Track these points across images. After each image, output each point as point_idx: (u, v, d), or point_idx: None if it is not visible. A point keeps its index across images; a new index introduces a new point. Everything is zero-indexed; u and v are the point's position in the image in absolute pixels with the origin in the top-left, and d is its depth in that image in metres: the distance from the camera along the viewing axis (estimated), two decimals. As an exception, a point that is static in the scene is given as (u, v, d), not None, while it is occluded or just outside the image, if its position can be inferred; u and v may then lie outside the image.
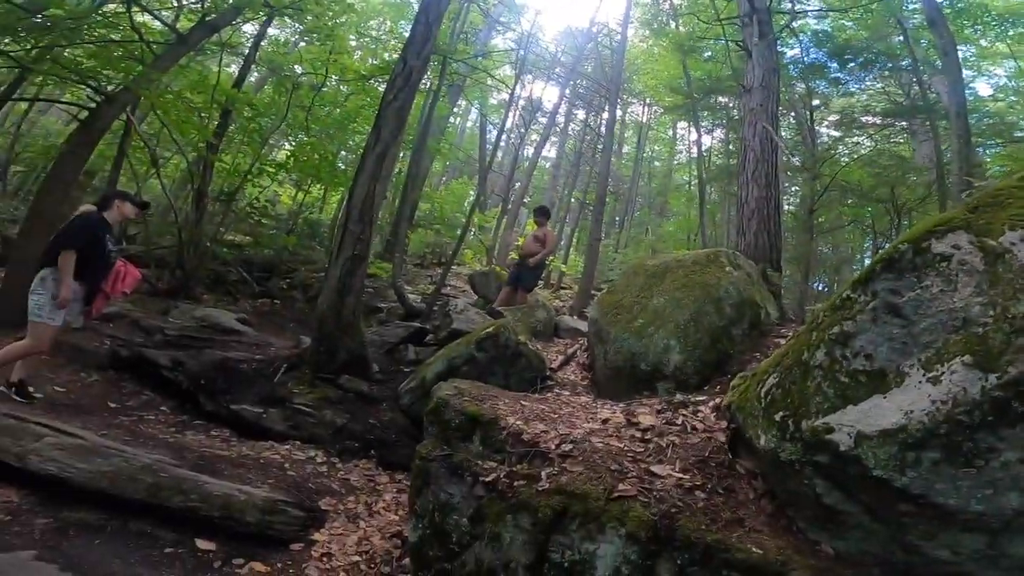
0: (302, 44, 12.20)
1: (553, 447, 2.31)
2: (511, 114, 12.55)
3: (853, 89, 13.39)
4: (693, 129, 18.02)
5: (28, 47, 6.52)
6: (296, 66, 10.73)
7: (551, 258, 15.76)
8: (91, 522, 2.81)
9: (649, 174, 24.32)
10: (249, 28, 10.84)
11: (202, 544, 2.80)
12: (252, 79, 11.51)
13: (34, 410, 3.66)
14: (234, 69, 10.28)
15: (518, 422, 2.54)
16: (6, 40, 6.50)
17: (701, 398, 2.93)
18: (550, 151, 25.34)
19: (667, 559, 1.72)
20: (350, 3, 9.92)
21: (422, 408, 4.11)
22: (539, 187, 25.71)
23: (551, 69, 19.37)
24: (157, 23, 7.80)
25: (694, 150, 19.71)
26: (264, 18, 9.08)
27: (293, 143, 11.66)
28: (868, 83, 13.48)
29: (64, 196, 5.98)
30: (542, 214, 7.53)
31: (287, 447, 4.08)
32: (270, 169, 10.02)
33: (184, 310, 6.59)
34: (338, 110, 10.79)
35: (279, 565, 2.78)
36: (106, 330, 5.47)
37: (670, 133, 23.64)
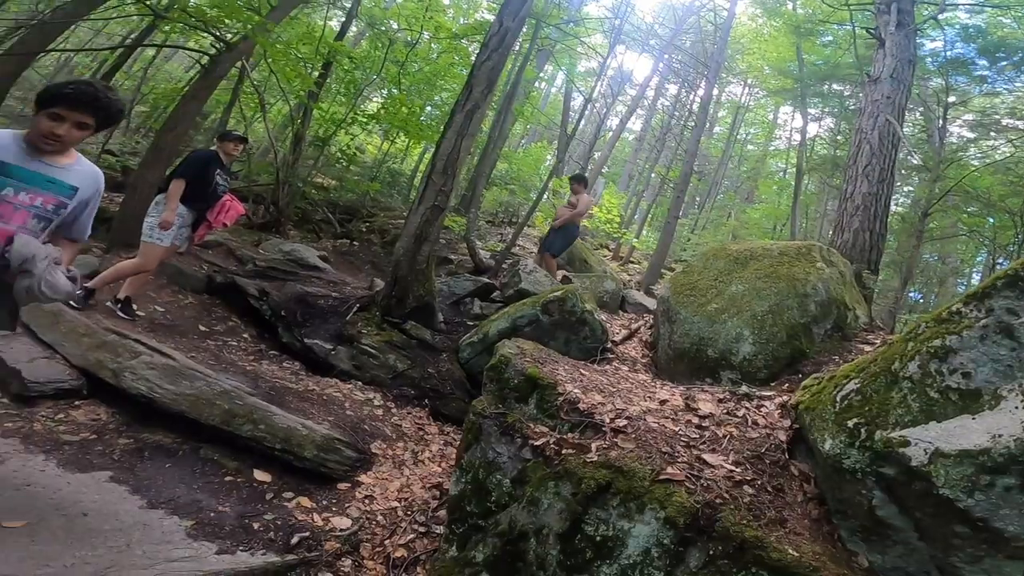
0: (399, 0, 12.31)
1: (607, 420, 2.30)
2: (599, 83, 12.11)
3: (999, 89, 11.90)
4: (798, 115, 16.74)
5: None
6: (392, 22, 10.86)
7: (623, 233, 15.50)
8: (166, 445, 2.96)
9: (740, 157, 22.94)
10: None
11: (259, 475, 2.92)
12: (351, 33, 11.80)
13: (135, 327, 3.95)
14: (335, 23, 10.57)
15: (576, 390, 2.55)
16: None
17: (767, 393, 2.81)
18: (635, 123, 24.46)
19: (699, 548, 1.71)
20: (446, -42, 9.91)
21: (479, 363, 4.24)
22: (620, 158, 25.00)
23: (645, 40, 18.44)
24: None
25: (795, 137, 18.35)
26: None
27: (383, 96, 11.95)
28: (1020, 84, 11.94)
29: (183, 134, 6.51)
30: (578, 181, 7.48)
31: (349, 386, 4.21)
32: (362, 119, 10.37)
33: (274, 243, 7.04)
34: (427, 67, 10.91)
35: (324, 502, 2.87)
36: (205, 256, 5.90)
37: (770, 116, 22.05)
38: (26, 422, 2.87)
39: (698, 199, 22.80)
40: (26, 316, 3.60)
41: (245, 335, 4.83)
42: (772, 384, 3.23)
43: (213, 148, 4.64)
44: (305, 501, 2.84)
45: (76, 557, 2.01)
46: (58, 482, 2.47)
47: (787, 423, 2.30)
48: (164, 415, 3.08)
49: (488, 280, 6.44)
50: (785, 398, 2.62)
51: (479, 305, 5.79)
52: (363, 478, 3.15)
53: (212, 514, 2.54)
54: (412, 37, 10.18)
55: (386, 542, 2.69)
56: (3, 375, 3.11)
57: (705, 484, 1.85)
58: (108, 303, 4.20)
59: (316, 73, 9.07)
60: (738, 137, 22.16)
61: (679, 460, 1.98)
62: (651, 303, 6.56)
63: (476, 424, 2.55)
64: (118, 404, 3.16)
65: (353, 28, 11.34)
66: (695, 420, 2.36)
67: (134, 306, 4.31)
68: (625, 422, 2.28)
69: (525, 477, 2.21)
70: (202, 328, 4.67)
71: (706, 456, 2.02)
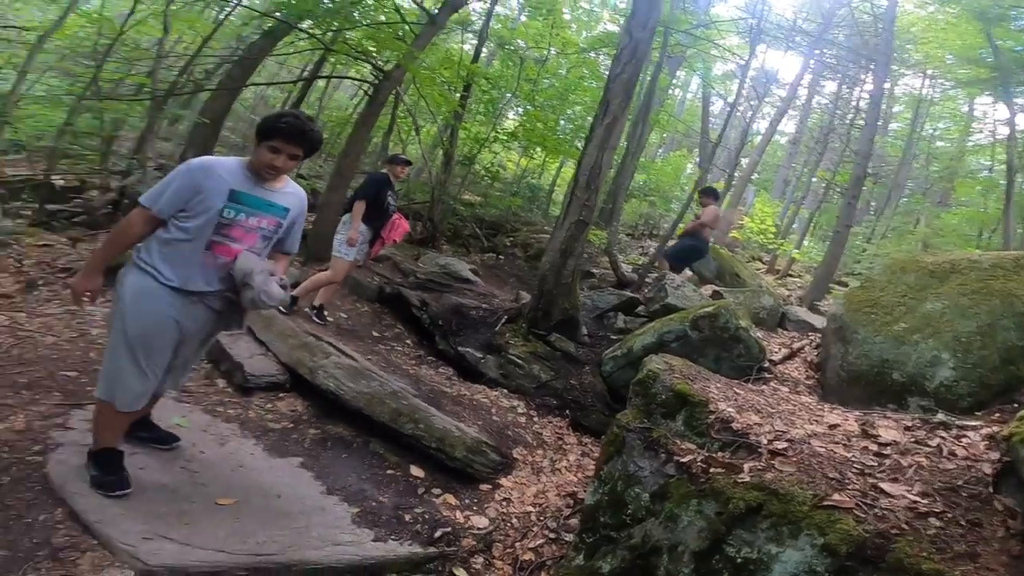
0: (523, 18, 12.80)
1: (764, 442, 2.15)
2: (741, 86, 11.26)
3: None
4: (1001, 106, 13.97)
5: (324, 31, 8.12)
6: (520, 41, 11.32)
7: (780, 244, 14.16)
8: (345, 437, 3.32)
9: (927, 155, 19.64)
10: (478, 6, 11.76)
11: (415, 471, 3.15)
12: (483, 54, 12.43)
13: (326, 331, 4.55)
14: (468, 47, 11.27)
15: (729, 409, 2.42)
16: (308, 23, 8.19)
17: (972, 423, 2.39)
18: (787, 125, 22.24)
19: None
20: (565, -25, 10.12)
21: (622, 377, 4.20)
22: (771, 164, 22.98)
23: (790, 38, 16.81)
24: (406, 3, 8.82)
25: (1001, 130, 15.27)
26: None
27: (519, 114, 12.48)
28: None
29: (357, 158, 7.49)
30: (706, 194, 7.32)
31: (496, 393, 4.41)
32: (502, 137, 10.92)
33: (431, 257, 7.72)
34: (558, 82, 11.17)
35: (466, 501, 3.02)
36: (376, 269, 6.62)
37: (964, 109, 18.56)
38: (243, 410, 3.41)
39: (874, 204, 19.95)
40: (248, 319, 4.40)
41: (408, 341, 5.31)
42: (978, 413, 2.75)
43: (383, 171, 5.24)
44: (450, 498, 3.01)
45: (267, 536, 2.32)
46: (262, 465, 2.87)
47: (995, 455, 1.94)
48: (345, 410, 3.47)
49: (632, 294, 6.35)
50: (995, 429, 2.21)
51: (623, 319, 5.73)
52: (503, 481, 3.26)
53: (373, 503, 2.79)
54: (540, 54, 10.51)
55: (516, 544, 2.76)
56: (230, 367, 3.77)
57: (879, 513, 1.64)
58: (306, 309, 4.90)
59: (458, 95, 9.77)
60: (922, 134, 19.00)
61: (849, 487, 1.78)
62: (817, 320, 5.92)
63: (619, 437, 2.52)
64: (311, 398, 3.63)
65: (484, 50, 11.96)
66: (873, 447, 2.09)
67: (325, 313, 4.98)
68: (785, 445, 2.11)
69: (666, 493, 2.15)
70: (375, 333, 5.23)
71: (884, 485, 1.79)
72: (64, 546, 2.05)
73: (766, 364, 4.20)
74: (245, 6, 9.99)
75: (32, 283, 4.93)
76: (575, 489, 3.30)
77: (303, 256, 6.70)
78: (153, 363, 2.24)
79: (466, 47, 10.95)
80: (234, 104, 11.26)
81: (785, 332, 5.70)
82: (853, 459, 1.99)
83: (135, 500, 2.32)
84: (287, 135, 2.19)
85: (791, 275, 13.21)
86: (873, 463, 1.96)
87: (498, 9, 11.78)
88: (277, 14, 8.09)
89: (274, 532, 2.37)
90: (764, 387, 3.43)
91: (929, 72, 17.04)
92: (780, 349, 4.70)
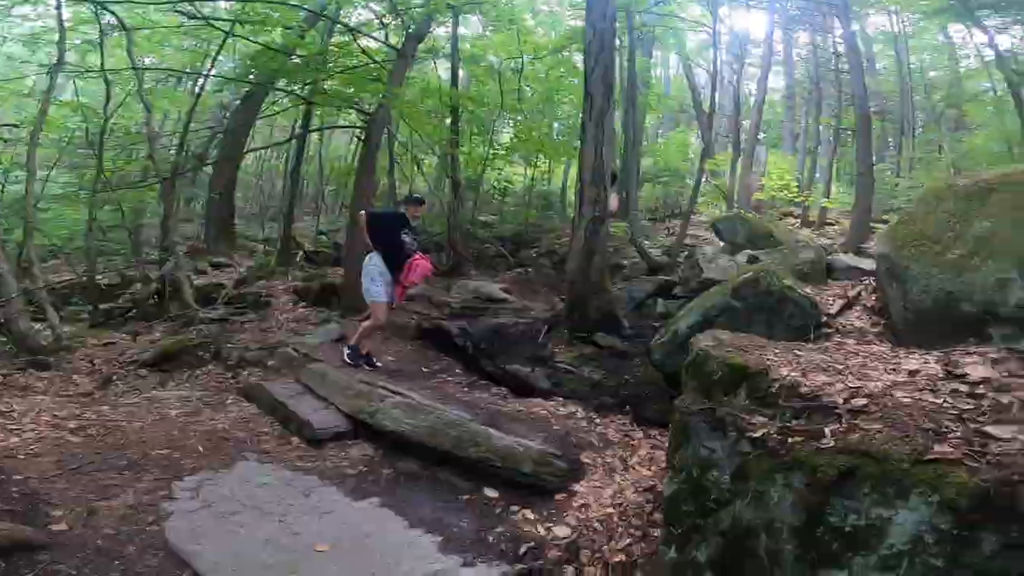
0: (488, 33, 12.87)
1: (840, 401, 2.03)
2: (717, 53, 11.15)
3: None
4: (976, 31, 13.46)
5: (300, 85, 8.26)
6: (491, 57, 11.38)
7: (807, 196, 13.80)
8: (414, 471, 3.41)
9: (925, 86, 18.94)
10: (442, 31, 11.67)
11: (488, 492, 3.18)
12: (461, 77, 12.40)
13: (377, 375, 4.62)
14: (444, 73, 11.28)
15: (793, 373, 2.30)
16: (284, 81, 8.36)
17: (1064, 342, 2.23)
18: (777, 81, 21.86)
19: (994, 531, 1.42)
20: (518, -15, 10.18)
21: (674, 363, 4.06)
22: (774, 121, 22.62)
23: None
24: (372, 43, 8.97)
25: (987, 53, 14.62)
26: (450, 17, 9.74)
27: (511, 125, 12.53)
28: None
29: (369, 204, 7.62)
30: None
31: (551, 403, 4.38)
32: (501, 152, 10.95)
33: (461, 285, 7.77)
34: (539, 87, 11.22)
35: (544, 513, 3.01)
36: (411, 308, 6.67)
37: (940, 39, 17.87)
38: (320, 460, 3.56)
39: (891, 141, 19.34)
40: (304, 377, 4.58)
41: (456, 369, 5.34)
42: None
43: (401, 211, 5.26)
44: (528, 513, 3.00)
45: (365, 572, 2.42)
46: (346, 509, 2.98)
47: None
48: (410, 445, 3.57)
49: (666, 277, 6.26)
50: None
51: (662, 304, 5.65)
52: (577, 487, 3.24)
53: (455, 530, 2.83)
54: (515, 64, 10.57)
55: (604, 548, 2.73)
56: (299, 424, 3.96)
57: (993, 460, 1.52)
58: (357, 361, 4.94)
59: (448, 121, 9.86)
60: (912, 67, 18.33)
61: (950, 436, 1.66)
62: (866, 263, 5.66)
63: (683, 423, 2.45)
64: (378, 440, 3.74)
65: (461, 72, 11.98)
66: (964, 388, 1.96)
67: (374, 358, 5.04)
68: (865, 400, 1.99)
69: (746, 472, 2.05)
70: (424, 369, 5.29)
71: (989, 428, 1.66)
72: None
73: (823, 319, 4.03)
74: (216, 75, 10.15)
75: (107, 379, 5.21)
76: (652, 483, 3.23)
77: (339, 309, 6.81)
78: None
79: (443, 74, 11.07)
80: (238, 174, 11.51)
81: (835, 283, 5.48)
82: (946, 405, 1.86)
83: (246, 556, 2.45)
84: None
85: (828, 223, 12.82)
86: (969, 406, 1.83)
87: (463, 31, 11.92)
88: (250, 77, 8.29)
89: (367, 570, 2.46)
90: (827, 344, 3.29)
91: (892, 8, 16.60)
92: (834, 301, 4.49)
